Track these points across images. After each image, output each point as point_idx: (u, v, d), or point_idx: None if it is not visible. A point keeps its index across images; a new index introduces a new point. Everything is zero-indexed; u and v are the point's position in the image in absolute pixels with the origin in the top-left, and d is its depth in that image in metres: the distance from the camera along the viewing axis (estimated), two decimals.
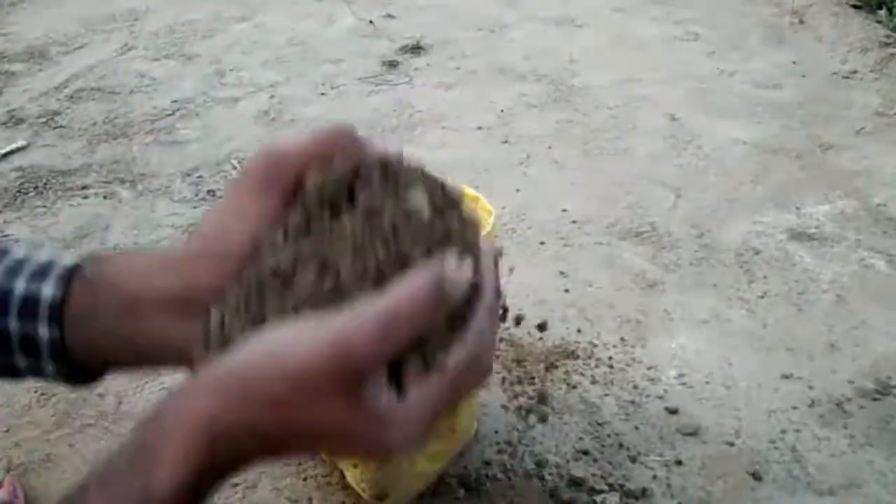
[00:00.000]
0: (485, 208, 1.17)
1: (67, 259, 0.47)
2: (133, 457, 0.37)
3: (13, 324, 0.46)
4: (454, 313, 0.36)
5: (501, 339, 1.64)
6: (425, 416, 0.36)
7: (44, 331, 0.45)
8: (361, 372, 0.34)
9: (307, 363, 0.34)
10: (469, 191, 1.19)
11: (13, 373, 0.48)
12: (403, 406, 0.36)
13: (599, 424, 1.42)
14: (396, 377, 0.36)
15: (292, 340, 0.35)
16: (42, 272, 0.46)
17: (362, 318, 0.34)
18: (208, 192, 2.27)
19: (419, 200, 0.39)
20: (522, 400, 1.48)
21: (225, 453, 0.36)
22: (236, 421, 0.36)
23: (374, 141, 0.46)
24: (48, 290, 0.45)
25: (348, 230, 0.38)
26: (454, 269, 0.36)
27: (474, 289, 0.37)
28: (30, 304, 0.45)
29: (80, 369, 0.47)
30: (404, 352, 0.35)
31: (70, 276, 0.45)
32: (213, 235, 0.44)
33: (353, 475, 1.24)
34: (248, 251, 0.42)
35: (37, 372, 0.47)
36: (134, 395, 1.54)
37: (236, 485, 1.33)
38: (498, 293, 0.40)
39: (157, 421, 0.37)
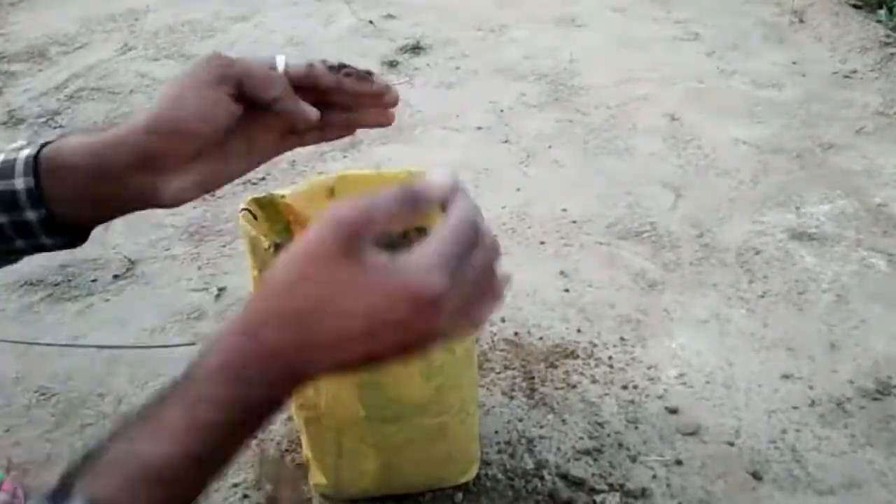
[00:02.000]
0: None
1: (25, 152, 0.56)
2: (177, 388, 0.42)
3: (3, 218, 0.56)
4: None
5: (501, 340, 1.64)
6: (433, 260, 0.39)
7: (31, 215, 0.55)
8: (355, 234, 0.39)
9: (309, 242, 0.40)
10: (418, 171, 1.23)
11: (16, 254, 0.59)
12: (406, 256, 0.39)
13: (599, 424, 1.42)
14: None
15: (303, 237, 0.41)
16: (7, 171, 0.55)
17: (353, 202, 0.40)
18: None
19: None
20: (522, 399, 1.48)
21: (255, 345, 0.41)
22: (261, 309, 0.42)
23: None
24: (20, 183, 0.55)
25: None
26: (430, 175, 0.42)
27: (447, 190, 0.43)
28: (10, 200, 0.55)
29: (71, 232, 0.58)
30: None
31: (35, 164, 0.55)
32: (166, 114, 0.54)
33: (312, 472, 1.24)
34: (201, 130, 0.55)
35: (38, 248, 0.58)
36: (134, 394, 1.54)
37: (236, 485, 1.33)
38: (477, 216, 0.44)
39: (201, 356, 0.42)
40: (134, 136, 0.54)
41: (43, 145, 0.56)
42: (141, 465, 0.40)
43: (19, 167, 0.54)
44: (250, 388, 0.41)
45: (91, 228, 0.60)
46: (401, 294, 0.38)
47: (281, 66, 0.58)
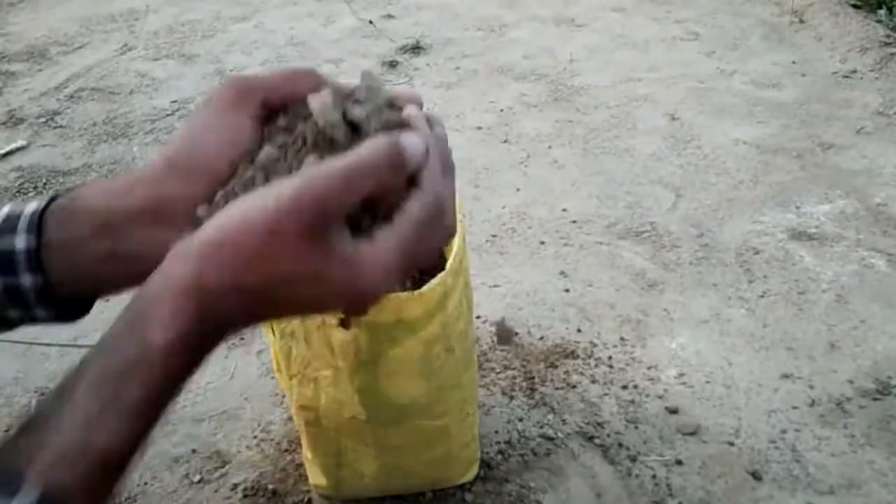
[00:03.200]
0: None
1: (31, 206, 0.48)
2: (126, 323, 0.40)
3: None
4: (411, 180, 0.41)
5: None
6: (393, 259, 0.40)
7: (26, 279, 0.47)
8: (325, 216, 0.37)
9: (275, 215, 0.37)
10: None
11: (8, 324, 0.50)
12: (370, 248, 0.39)
13: (599, 424, 1.42)
14: (360, 232, 0.40)
15: (260, 200, 0.38)
16: (10, 226, 0.47)
17: (325, 171, 0.38)
18: None
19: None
20: (522, 399, 1.48)
21: (211, 314, 0.39)
22: (217, 282, 0.39)
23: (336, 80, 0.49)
24: (20, 242, 0.47)
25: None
26: (409, 136, 0.40)
27: (424, 157, 0.41)
28: (6, 260, 0.47)
29: (70, 306, 0.51)
30: (367, 209, 0.40)
31: (39, 220, 0.47)
32: (183, 151, 0.47)
33: (311, 470, 1.24)
34: (224, 166, 0.46)
35: (30, 319, 0.50)
36: None
37: (236, 485, 1.33)
38: (447, 158, 0.44)
39: (145, 292, 0.40)
40: (147, 180, 0.47)
41: (53, 198, 0.48)
42: (101, 456, 0.38)
43: (22, 223, 0.47)
44: (203, 355, 0.41)
45: (92, 302, 0.53)
46: (356, 289, 0.40)
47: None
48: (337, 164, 0.38)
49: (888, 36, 2.97)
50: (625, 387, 1.51)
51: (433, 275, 1.04)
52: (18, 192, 2.31)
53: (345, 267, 0.39)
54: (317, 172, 0.37)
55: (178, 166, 0.46)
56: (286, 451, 1.39)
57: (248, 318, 0.41)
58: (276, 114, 0.48)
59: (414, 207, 0.40)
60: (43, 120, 2.75)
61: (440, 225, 0.42)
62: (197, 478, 1.35)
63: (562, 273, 1.85)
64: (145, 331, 0.39)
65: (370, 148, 0.38)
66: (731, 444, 1.38)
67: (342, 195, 0.37)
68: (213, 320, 0.40)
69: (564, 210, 2.10)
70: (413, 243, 0.40)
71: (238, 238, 0.38)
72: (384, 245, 0.39)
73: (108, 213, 0.47)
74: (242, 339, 1.68)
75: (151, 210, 0.46)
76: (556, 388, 1.50)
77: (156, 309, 0.39)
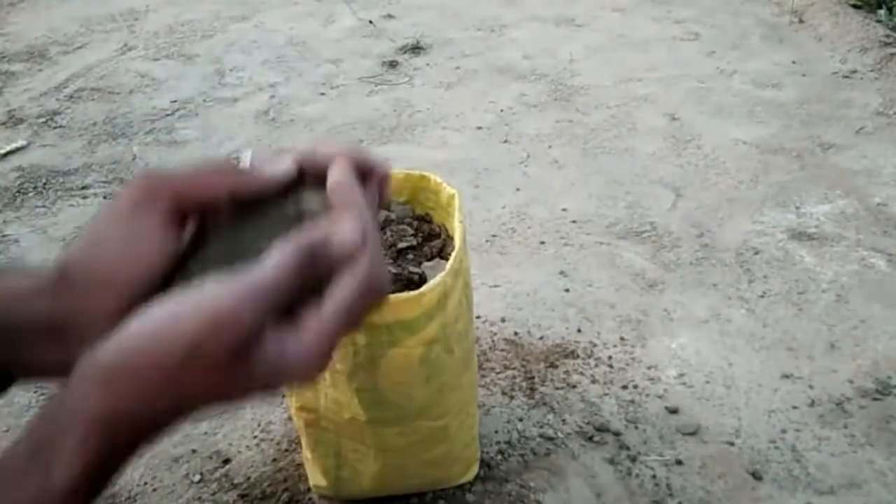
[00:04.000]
0: (444, 191, 1.18)
1: None
2: (28, 454, 0.37)
3: None
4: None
5: (501, 340, 1.64)
6: (322, 348, 0.38)
7: None
8: (246, 335, 0.36)
9: (194, 338, 0.35)
10: (416, 173, 1.22)
11: None
12: (296, 343, 0.38)
13: (599, 424, 1.42)
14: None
15: (170, 319, 0.35)
16: None
17: (239, 290, 0.36)
18: None
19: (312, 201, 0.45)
20: (522, 399, 1.48)
21: (123, 440, 0.37)
22: (131, 407, 0.36)
23: (259, 169, 0.46)
24: None
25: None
26: (338, 231, 0.40)
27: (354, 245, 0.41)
28: None
29: None
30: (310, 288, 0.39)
31: None
32: (81, 263, 0.43)
33: (310, 470, 1.24)
34: (125, 278, 0.42)
35: None
36: None
37: (236, 485, 1.33)
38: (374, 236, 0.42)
39: (51, 417, 0.37)
40: (46, 291, 0.42)
41: None
42: None
43: None
44: (109, 479, 0.39)
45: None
46: (281, 382, 0.39)
47: (247, 162, 0.46)
48: (250, 279, 0.36)
49: (888, 36, 2.97)
50: (625, 387, 1.51)
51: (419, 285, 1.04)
52: (18, 192, 2.31)
53: (268, 372, 0.37)
54: (229, 291, 0.36)
55: (76, 279, 0.42)
56: (286, 451, 1.39)
57: (160, 432, 0.38)
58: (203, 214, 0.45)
59: (345, 288, 0.39)
60: (43, 120, 2.75)
61: (372, 293, 0.41)
62: (197, 478, 1.35)
63: (562, 273, 1.85)
64: (47, 467, 0.36)
65: (278, 260, 0.37)
66: (731, 444, 1.38)
67: (257, 312, 0.36)
68: (123, 446, 0.37)
69: (564, 210, 2.10)
70: (343, 321, 0.39)
71: (151, 360, 0.35)
72: (310, 336, 0.38)
73: (6, 323, 0.42)
74: None
75: (46, 327, 0.42)
76: (556, 388, 1.50)
77: (63, 440, 0.36)
